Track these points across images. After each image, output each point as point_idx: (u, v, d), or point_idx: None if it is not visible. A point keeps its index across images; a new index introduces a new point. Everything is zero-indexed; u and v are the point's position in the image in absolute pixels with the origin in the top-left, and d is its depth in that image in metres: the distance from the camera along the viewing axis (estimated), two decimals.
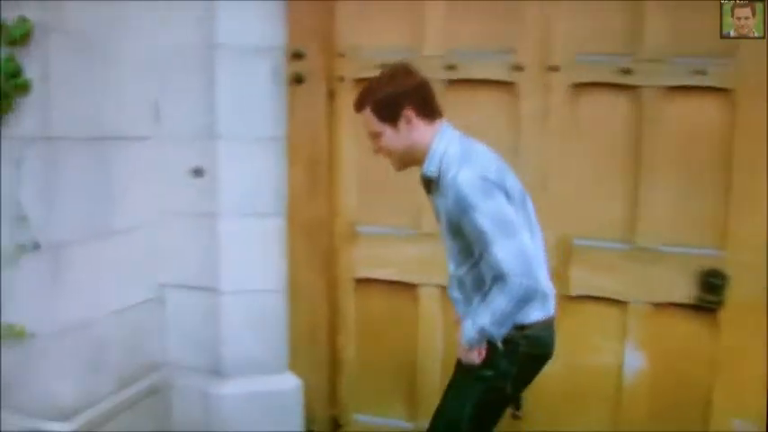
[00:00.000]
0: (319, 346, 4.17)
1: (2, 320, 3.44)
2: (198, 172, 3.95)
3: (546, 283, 2.83)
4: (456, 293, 2.92)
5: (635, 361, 3.79)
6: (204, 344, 4.05)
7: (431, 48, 3.86)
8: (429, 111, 2.79)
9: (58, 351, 3.51)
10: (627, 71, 3.61)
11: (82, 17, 3.54)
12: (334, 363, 4.22)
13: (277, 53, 3.92)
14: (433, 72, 3.73)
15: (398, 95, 2.73)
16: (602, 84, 3.67)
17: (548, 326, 2.88)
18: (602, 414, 3.88)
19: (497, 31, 3.78)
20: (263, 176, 3.95)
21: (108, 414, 3.73)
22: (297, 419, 4.08)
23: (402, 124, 2.74)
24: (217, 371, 4.06)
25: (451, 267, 2.89)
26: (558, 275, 3.78)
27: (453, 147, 2.73)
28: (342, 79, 3.99)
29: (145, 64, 3.91)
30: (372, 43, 3.94)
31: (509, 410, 3.83)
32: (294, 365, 4.13)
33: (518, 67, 3.75)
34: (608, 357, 3.84)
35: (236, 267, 3.95)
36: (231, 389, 4.01)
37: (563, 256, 3.81)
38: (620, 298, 3.77)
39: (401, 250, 3.94)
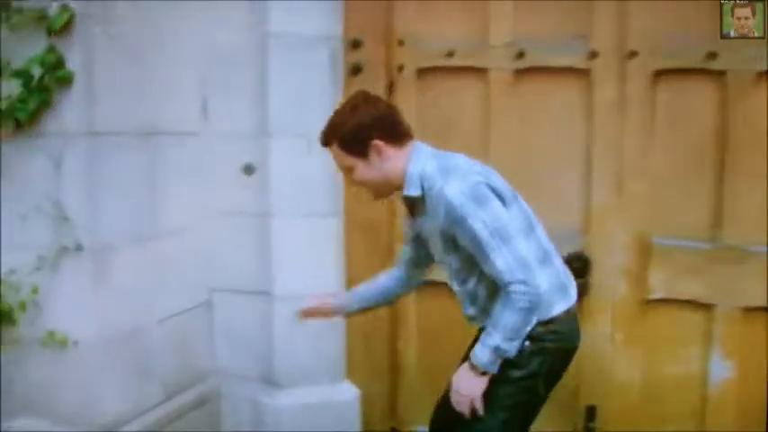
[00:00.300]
0: (378, 353, 3.96)
1: (43, 327, 3.28)
2: (249, 169, 3.75)
3: (560, 272, 2.73)
4: (470, 311, 2.77)
5: (722, 370, 3.53)
6: (256, 351, 3.84)
7: (498, 35, 3.61)
8: (398, 136, 2.66)
9: (102, 359, 3.32)
10: (712, 55, 3.34)
11: (127, 6, 3.34)
12: (393, 371, 3.99)
13: (333, 43, 3.70)
14: (499, 61, 3.57)
15: (364, 127, 2.60)
16: (685, 70, 3.41)
17: (572, 317, 2.72)
18: (685, 427, 3.62)
19: (569, 14, 3.53)
20: (319, 174, 3.68)
21: (155, 425, 3.53)
22: (354, 431, 3.85)
23: (373, 156, 2.62)
24: (270, 380, 3.85)
25: (456, 286, 2.77)
26: (636, 277, 3.59)
27: (430, 164, 2.60)
28: (402, 69, 3.76)
29: (193, 55, 3.71)
30: (434, 30, 3.71)
31: (583, 421, 3.62)
32: (351, 374, 3.92)
33: (593, 54, 3.51)
34: (691, 366, 3.59)
35: (290, 270, 3.72)
36: (285, 399, 3.80)
37: (641, 257, 3.58)
38: (706, 301, 3.52)
39: None
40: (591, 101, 3.54)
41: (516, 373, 2.61)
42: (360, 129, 2.59)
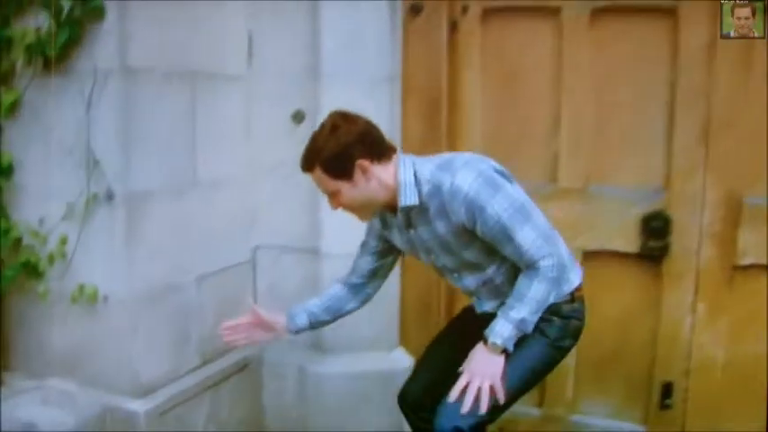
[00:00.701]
0: (435, 318, 3.67)
1: (73, 282, 3.06)
2: (298, 116, 3.49)
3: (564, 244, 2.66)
4: (488, 305, 2.68)
5: None
6: None
7: None
8: (382, 152, 2.53)
9: (134, 318, 3.06)
10: None
11: None
12: None
13: None
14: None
15: (347, 148, 2.47)
16: None
17: (583, 293, 2.70)
18: None
19: None
20: (375, 121, 3.39)
21: (191, 391, 3.29)
22: None
23: (358, 176, 2.49)
24: (317, 346, 3.60)
25: (470, 283, 2.66)
26: (723, 240, 3.30)
27: (423, 167, 2.50)
28: (465, 10, 3.46)
29: None
30: None
31: (657, 399, 3.43)
32: (406, 341, 3.67)
33: None
34: None
35: (340, 226, 3.31)
36: (332, 366, 3.54)
37: (730, 217, 3.26)
38: None
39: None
40: (677, 44, 3.21)
41: (545, 340, 2.58)
42: (342, 149, 2.46)
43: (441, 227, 2.49)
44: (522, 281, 2.47)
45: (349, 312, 2.89)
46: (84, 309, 3.05)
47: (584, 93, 3.32)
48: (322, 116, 3.22)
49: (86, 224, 3.00)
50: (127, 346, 3.05)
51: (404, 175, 2.48)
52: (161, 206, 3.11)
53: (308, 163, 2.51)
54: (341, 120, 2.51)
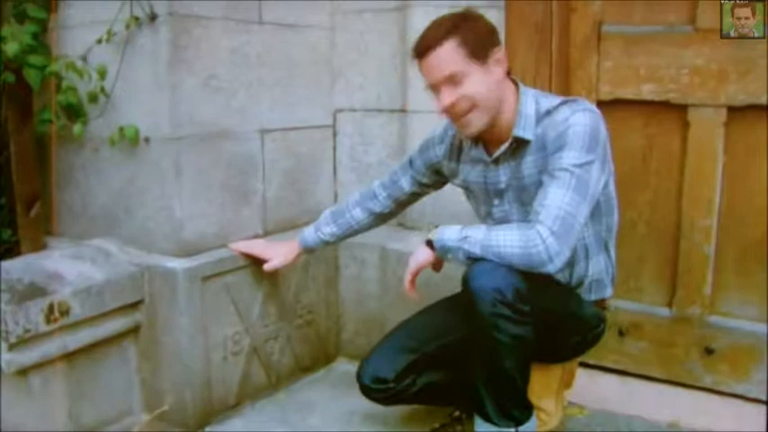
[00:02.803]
0: None
1: (112, 123, 2.68)
2: None
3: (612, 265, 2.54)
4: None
5: None
6: None
7: None
8: (508, 70, 2.27)
9: (179, 160, 2.62)
10: None
11: None
12: None
13: None
14: None
15: (493, 30, 2.21)
16: None
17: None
18: None
19: None
20: None
21: (246, 260, 2.80)
22: None
23: (494, 67, 2.18)
24: (401, 222, 3.12)
25: None
26: None
27: (545, 100, 2.24)
28: None
29: None
30: None
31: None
32: None
33: None
34: None
35: None
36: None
37: None
38: None
39: (667, 56, 2.81)
40: None
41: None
42: (490, 32, 2.19)
43: (530, 162, 2.22)
44: (512, 224, 2.20)
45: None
46: (125, 154, 2.68)
47: None
48: None
49: (127, 52, 2.60)
50: (169, 194, 2.63)
51: (525, 106, 2.22)
52: (216, 37, 2.68)
53: (446, 29, 2.14)
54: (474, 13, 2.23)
